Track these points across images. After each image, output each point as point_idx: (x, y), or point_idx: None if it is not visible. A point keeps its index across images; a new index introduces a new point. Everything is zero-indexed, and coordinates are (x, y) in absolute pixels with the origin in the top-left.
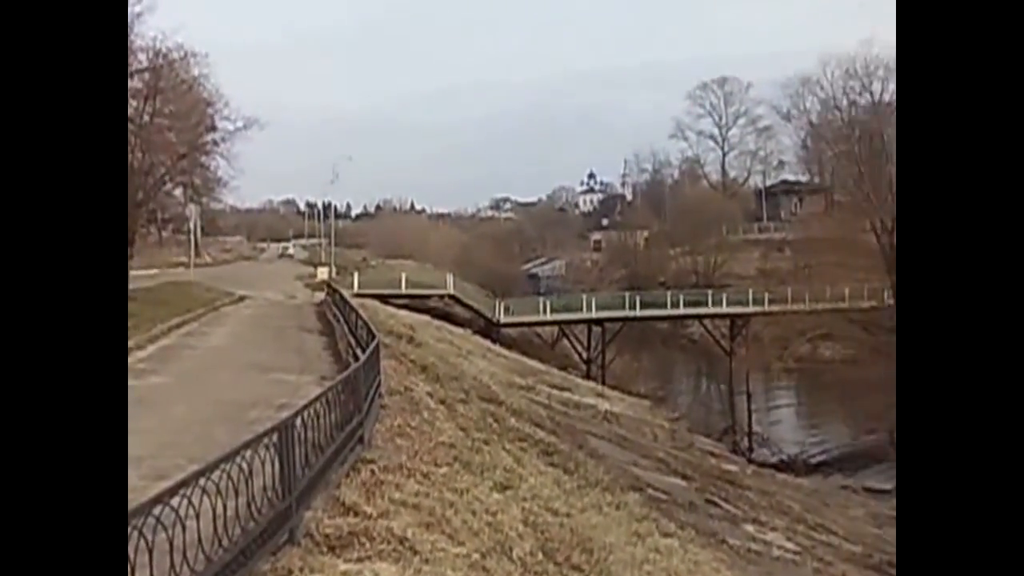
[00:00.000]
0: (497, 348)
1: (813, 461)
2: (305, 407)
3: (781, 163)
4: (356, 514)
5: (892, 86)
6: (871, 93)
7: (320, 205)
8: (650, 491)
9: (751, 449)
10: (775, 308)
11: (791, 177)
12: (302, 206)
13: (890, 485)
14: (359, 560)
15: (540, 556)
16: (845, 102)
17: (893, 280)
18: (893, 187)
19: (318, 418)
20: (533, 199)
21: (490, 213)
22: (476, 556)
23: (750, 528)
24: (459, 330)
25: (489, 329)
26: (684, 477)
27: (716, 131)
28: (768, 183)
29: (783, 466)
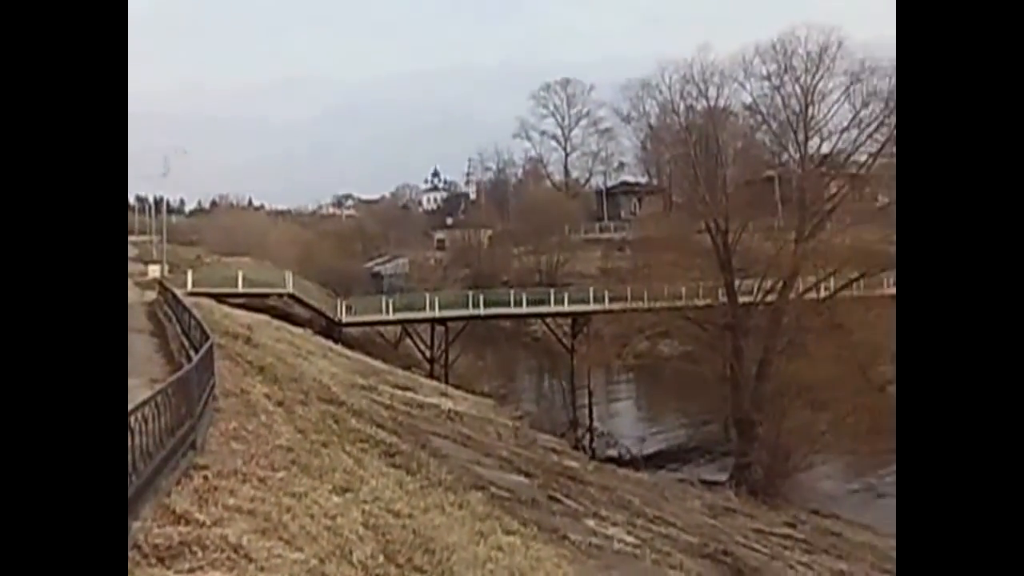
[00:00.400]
0: (339, 348)
1: (652, 455)
2: (132, 412)
3: (621, 164)
4: (187, 522)
5: (727, 91)
6: (707, 98)
7: (151, 199)
8: (493, 489)
9: (593, 445)
10: (615, 306)
11: (631, 178)
12: (132, 200)
13: (724, 476)
14: (190, 571)
15: (381, 559)
16: (682, 106)
17: (727, 278)
18: (727, 189)
19: (146, 423)
20: (376, 196)
21: (332, 210)
22: (314, 562)
23: (591, 523)
24: (299, 330)
25: (331, 329)
26: (527, 474)
27: (559, 131)
28: (609, 184)
29: (624, 461)
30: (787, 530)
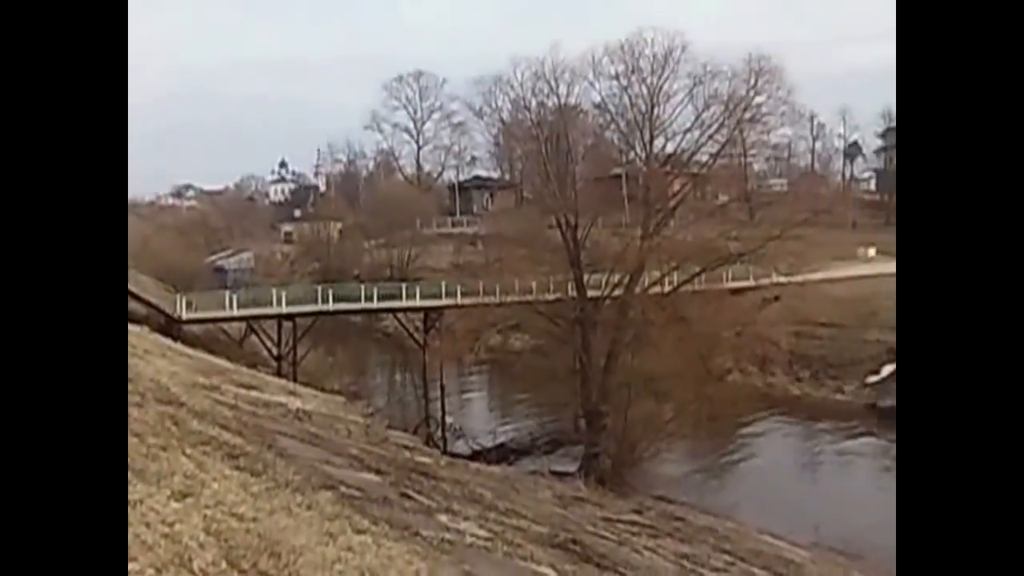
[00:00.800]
0: (179, 346)
1: (505, 448)
2: None
3: (474, 159)
4: None
5: (577, 90)
6: (558, 96)
7: None
8: (343, 488)
9: (445, 440)
10: (467, 301)
11: (484, 173)
12: None
13: (574, 467)
14: None
15: (224, 565)
16: (534, 103)
17: (576, 273)
18: (576, 185)
19: None
20: (219, 187)
21: (171, 201)
22: (151, 571)
23: (444, 518)
24: (135, 328)
25: (170, 326)
26: (378, 472)
27: (411, 124)
28: (462, 178)
29: (476, 455)
30: (634, 516)
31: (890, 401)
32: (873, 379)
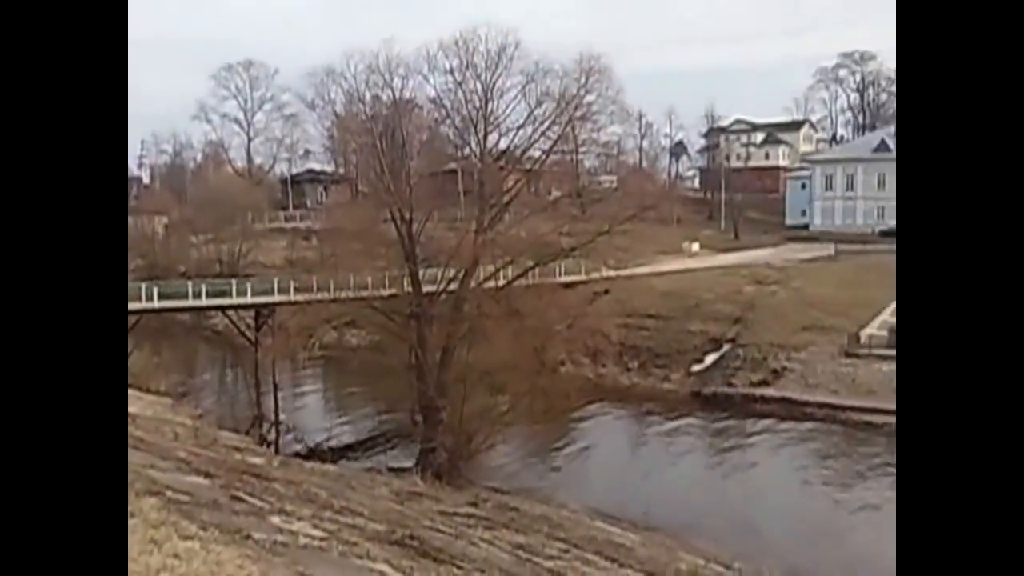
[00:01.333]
0: None
1: (341, 446)
2: None
3: (308, 152)
4: None
5: (412, 84)
6: (392, 89)
7: None
8: (169, 494)
9: (279, 440)
10: (301, 297)
11: (317, 166)
12: None
13: (411, 463)
14: None
15: None
16: (368, 96)
17: (411, 268)
18: (411, 180)
19: None
20: None
21: None
22: None
23: (277, 520)
24: None
25: None
26: (207, 475)
27: (241, 115)
28: (295, 171)
29: (311, 454)
30: (470, 509)
31: (713, 388)
32: (697, 368)
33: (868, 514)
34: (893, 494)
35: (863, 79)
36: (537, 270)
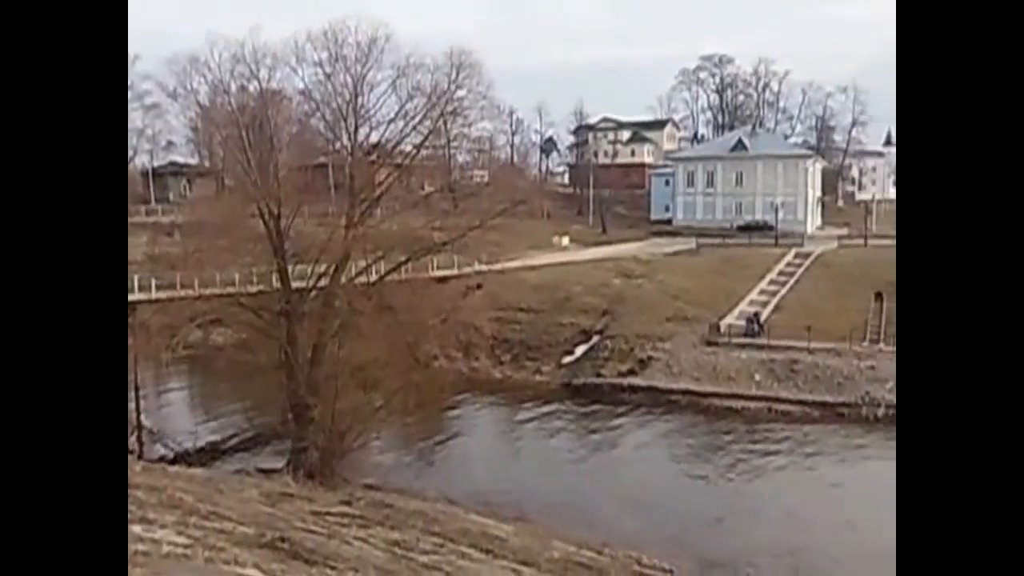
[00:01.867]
0: None
1: (208, 448)
2: None
3: (170, 144)
4: None
5: (280, 75)
6: (259, 80)
7: None
8: None
9: (141, 445)
10: (163, 295)
11: (180, 159)
12: None
13: (282, 463)
14: None
15: None
16: (234, 86)
17: (280, 264)
18: (280, 173)
19: None
20: None
21: None
22: None
23: (138, 529)
24: None
25: None
26: None
27: None
28: (156, 164)
29: (177, 458)
30: (343, 508)
31: (583, 379)
32: (568, 359)
33: (697, 483)
34: (724, 466)
35: (722, 81)
36: (410, 265)
